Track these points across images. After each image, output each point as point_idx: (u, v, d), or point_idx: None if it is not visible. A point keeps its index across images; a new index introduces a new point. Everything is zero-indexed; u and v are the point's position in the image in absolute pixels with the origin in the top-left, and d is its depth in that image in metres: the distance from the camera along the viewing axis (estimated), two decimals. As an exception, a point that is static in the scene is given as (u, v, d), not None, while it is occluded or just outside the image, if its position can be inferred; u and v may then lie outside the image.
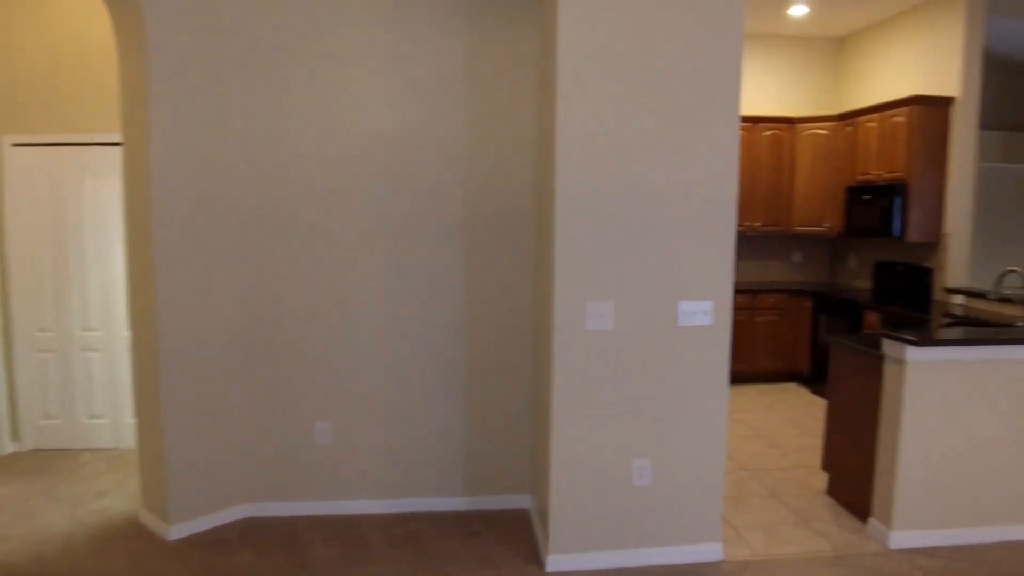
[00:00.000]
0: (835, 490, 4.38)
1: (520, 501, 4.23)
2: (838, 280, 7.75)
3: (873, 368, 3.96)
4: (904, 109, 6.13)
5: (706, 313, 3.46)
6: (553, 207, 3.33)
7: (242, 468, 4.07)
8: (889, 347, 3.79)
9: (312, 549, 3.69)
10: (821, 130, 7.16)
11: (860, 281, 7.32)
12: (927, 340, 3.65)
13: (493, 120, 3.98)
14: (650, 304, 3.42)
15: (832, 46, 7.62)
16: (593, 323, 3.37)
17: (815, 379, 6.87)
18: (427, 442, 4.15)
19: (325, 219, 3.95)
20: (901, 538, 3.79)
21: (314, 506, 4.13)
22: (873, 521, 3.92)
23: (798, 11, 6.60)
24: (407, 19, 3.87)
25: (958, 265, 6.13)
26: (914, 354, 3.65)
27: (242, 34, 3.81)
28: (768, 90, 7.37)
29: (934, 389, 3.72)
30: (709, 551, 3.61)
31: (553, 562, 3.51)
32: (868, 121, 6.61)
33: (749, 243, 7.73)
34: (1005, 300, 4.75)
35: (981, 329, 4.10)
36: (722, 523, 3.69)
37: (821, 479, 4.64)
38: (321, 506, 4.13)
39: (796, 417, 6.10)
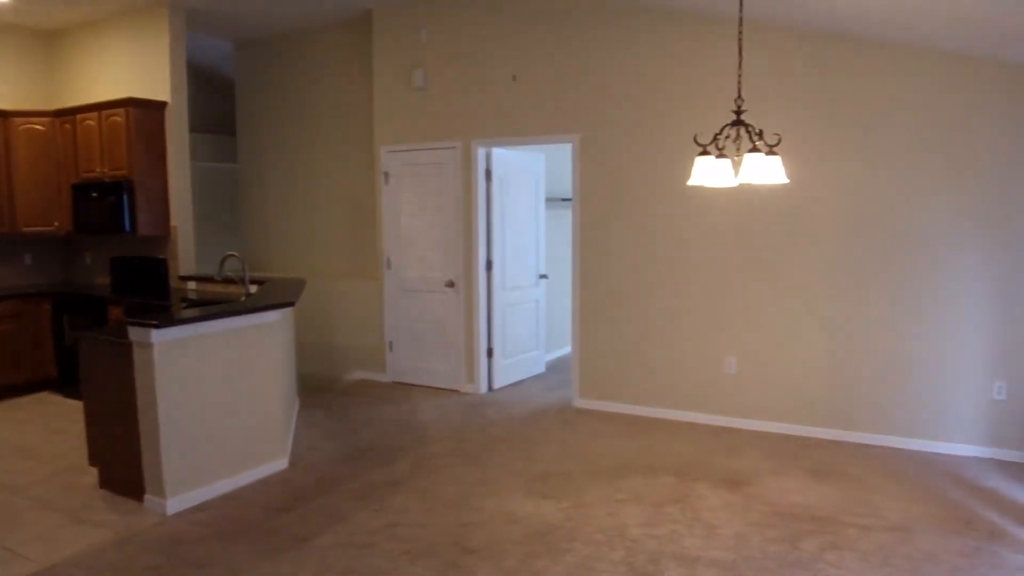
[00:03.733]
0: (107, 481, 4.50)
1: None
2: (77, 279, 7.66)
3: (124, 356, 4.20)
4: (121, 110, 6.42)
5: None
6: None
7: None
8: (136, 333, 4.08)
9: None
10: (38, 125, 6.92)
11: (100, 278, 7.40)
12: (167, 322, 4.09)
13: None
14: None
15: (45, 39, 7.38)
16: None
17: (67, 382, 6.72)
18: None
19: None
20: (176, 503, 4.18)
21: None
22: (149, 497, 4.20)
23: (-2, -2, 6.22)
24: None
25: (187, 254, 6.79)
26: (158, 336, 4.04)
27: None
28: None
29: (180, 363, 4.18)
30: (-19, 581, 3.39)
31: None
32: (87, 119, 6.69)
33: (-31, 250, 7.02)
34: (228, 281, 5.54)
35: (215, 307, 4.74)
36: (-8, 548, 3.49)
37: (92, 475, 4.69)
38: None
39: (54, 424, 5.92)
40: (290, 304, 4.91)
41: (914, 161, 5.02)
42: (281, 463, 4.88)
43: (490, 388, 6.83)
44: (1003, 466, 4.84)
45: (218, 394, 4.42)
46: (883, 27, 4.72)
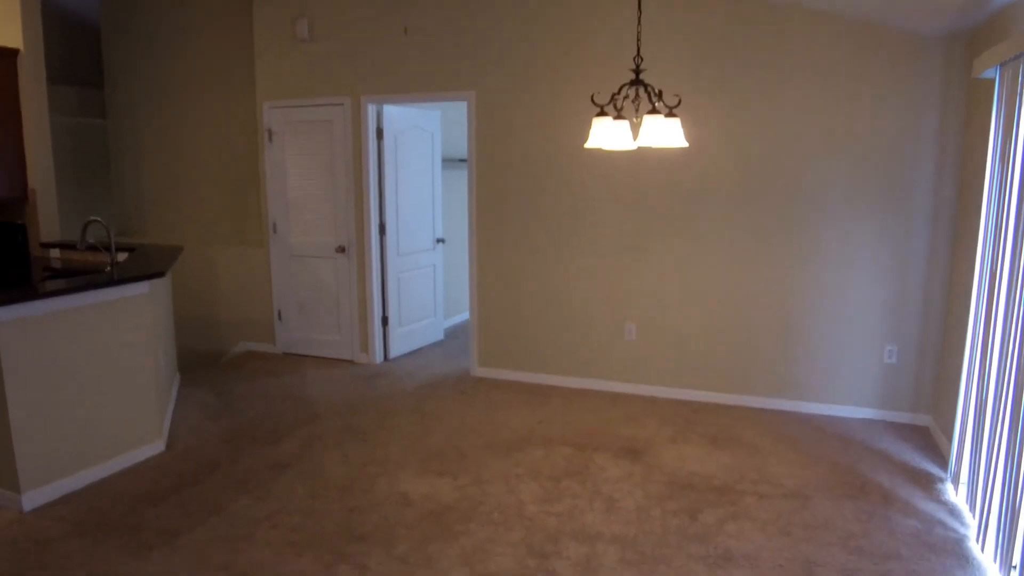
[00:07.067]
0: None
1: None
2: (-77, 247, 6.91)
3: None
4: (-37, 58, 5.73)
5: None
6: None
7: None
8: (-23, 310, 3.63)
9: None
10: None
11: (-50, 246, 6.69)
12: (13, 298, 3.63)
13: None
14: None
15: None
16: None
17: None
18: None
19: None
20: (34, 497, 3.78)
21: None
22: (2, 491, 3.78)
23: None
24: None
25: (49, 219, 6.19)
26: (3, 314, 3.59)
27: None
28: None
29: (33, 343, 3.74)
30: None
31: None
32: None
33: None
34: (92, 248, 5.05)
35: (73, 279, 4.29)
36: None
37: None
38: None
39: None
40: (159, 274, 4.49)
41: (814, 125, 4.97)
42: (157, 447, 4.51)
43: (385, 358, 6.56)
44: (893, 428, 4.94)
45: (80, 375, 4.01)
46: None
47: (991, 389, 3.43)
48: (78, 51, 7.75)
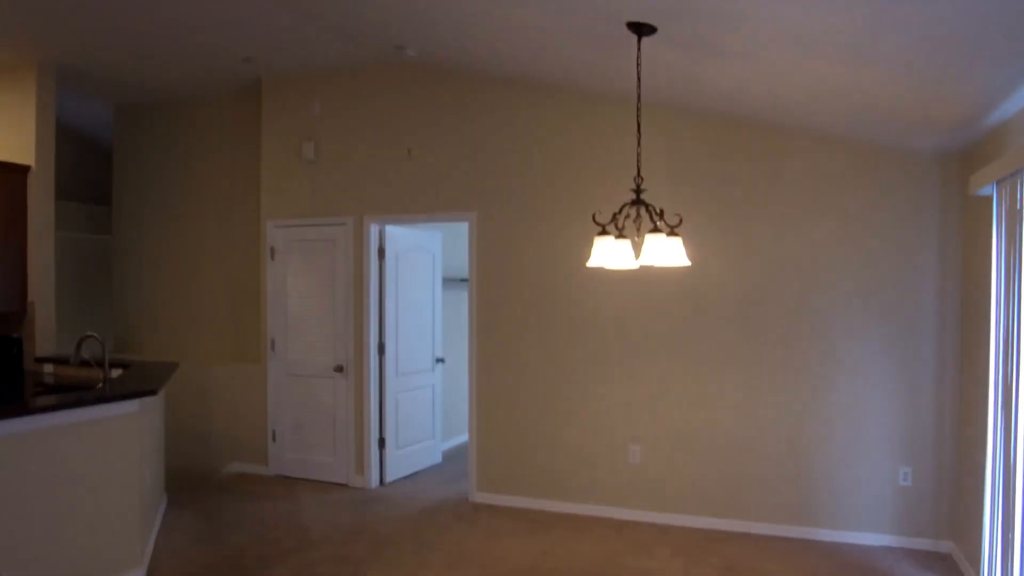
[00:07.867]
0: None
1: None
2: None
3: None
4: (-26, 174, 5.83)
5: None
6: None
7: None
8: (-38, 429, 3.51)
9: None
10: None
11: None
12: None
13: None
14: None
15: None
16: None
17: None
18: None
19: None
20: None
21: None
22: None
23: None
24: None
25: (46, 333, 6.14)
26: (-11, 433, 3.48)
27: None
28: None
29: (23, 461, 3.60)
30: None
31: None
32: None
33: None
34: (85, 364, 4.98)
35: (56, 396, 4.18)
36: None
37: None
38: None
39: None
40: (151, 392, 4.38)
41: (817, 245, 4.99)
42: (136, 575, 4.27)
43: (381, 482, 6.32)
44: (914, 555, 4.68)
45: (60, 495, 3.82)
46: (784, 115, 4.72)
47: (1017, 514, 3.26)
48: (88, 168, 7.94)
